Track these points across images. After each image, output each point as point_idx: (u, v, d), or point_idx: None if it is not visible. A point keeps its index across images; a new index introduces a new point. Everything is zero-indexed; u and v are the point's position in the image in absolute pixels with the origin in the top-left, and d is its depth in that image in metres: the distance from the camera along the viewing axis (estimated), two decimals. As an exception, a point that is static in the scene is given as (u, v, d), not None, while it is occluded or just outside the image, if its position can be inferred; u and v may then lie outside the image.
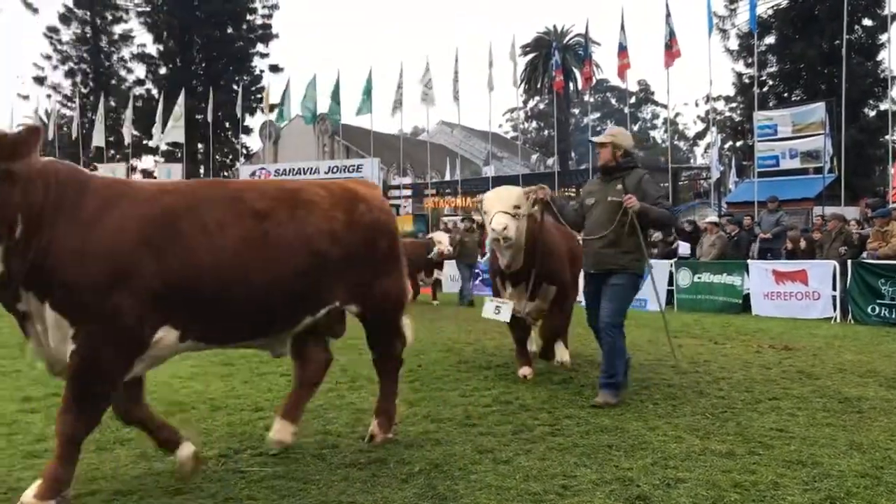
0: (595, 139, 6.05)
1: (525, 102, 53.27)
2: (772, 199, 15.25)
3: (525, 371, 6.64)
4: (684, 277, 14.11)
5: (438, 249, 14.73)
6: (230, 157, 44.06)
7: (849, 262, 11.87)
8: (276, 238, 3.75)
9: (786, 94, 28.73)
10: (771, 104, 26.48)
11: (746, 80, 28.95)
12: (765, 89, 28.55)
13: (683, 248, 15.31)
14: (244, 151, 43.67)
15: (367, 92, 29.38)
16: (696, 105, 51.20)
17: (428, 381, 6.40)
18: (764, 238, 14.35)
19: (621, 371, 5.67)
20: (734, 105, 32.27)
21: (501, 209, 5.91)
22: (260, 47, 44.64)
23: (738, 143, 32.33)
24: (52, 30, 43.03)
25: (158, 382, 6.33)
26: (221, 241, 3.58)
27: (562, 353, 7.14)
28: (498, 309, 6.46)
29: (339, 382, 6.31)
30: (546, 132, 57.46)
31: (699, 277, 13.89)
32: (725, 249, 14.40)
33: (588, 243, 5.83)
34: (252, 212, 3.74)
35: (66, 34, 43.39)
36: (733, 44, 29.95)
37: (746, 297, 13.07)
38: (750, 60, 27.60)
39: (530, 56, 46.33)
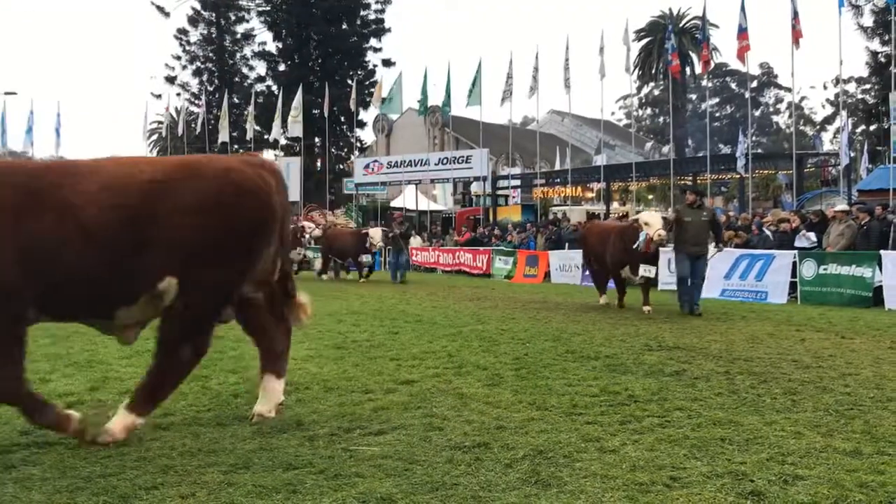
0: None
1: (639, 89, 51.99)
2: (909, 186, 14.21)
3: None
4: (808, 269, 13.35)
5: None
6: (345, 150, 45.31)
7: None
8: None
9: (927, 73, 26.63)
10: (911, 84, 24.60)
11: (882, 59, 27.10)
12: (903, 68, 26.61)
13: (807, 238, 14.49)
14: (358, 144, 44.78)
15: (476, 82, 29.50)
16: (825, 88, 48.50)
17: (534, 370, 6.36)
18: (900, 227, 13.39)
19: None
20: (867, 87, 30.30)
21: None
22: (373, 42, 45.63)
23: (872, 127, 30.32)
24: (182, 31, 45.60)
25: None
26: None
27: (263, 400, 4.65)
28: None
29: (445, 368, 6.40)
30: (661, 119, 55.84)
31: (825, 269, 13.11)
32: (855, 239, 13.53)
33: None
34: None
35: (194, 35, 45.88)
36: (867, 20, 28.16)
37: (878, 291, 12.24)
38: (887, 38, 25.77)
39: (644, 41, 45.10)
